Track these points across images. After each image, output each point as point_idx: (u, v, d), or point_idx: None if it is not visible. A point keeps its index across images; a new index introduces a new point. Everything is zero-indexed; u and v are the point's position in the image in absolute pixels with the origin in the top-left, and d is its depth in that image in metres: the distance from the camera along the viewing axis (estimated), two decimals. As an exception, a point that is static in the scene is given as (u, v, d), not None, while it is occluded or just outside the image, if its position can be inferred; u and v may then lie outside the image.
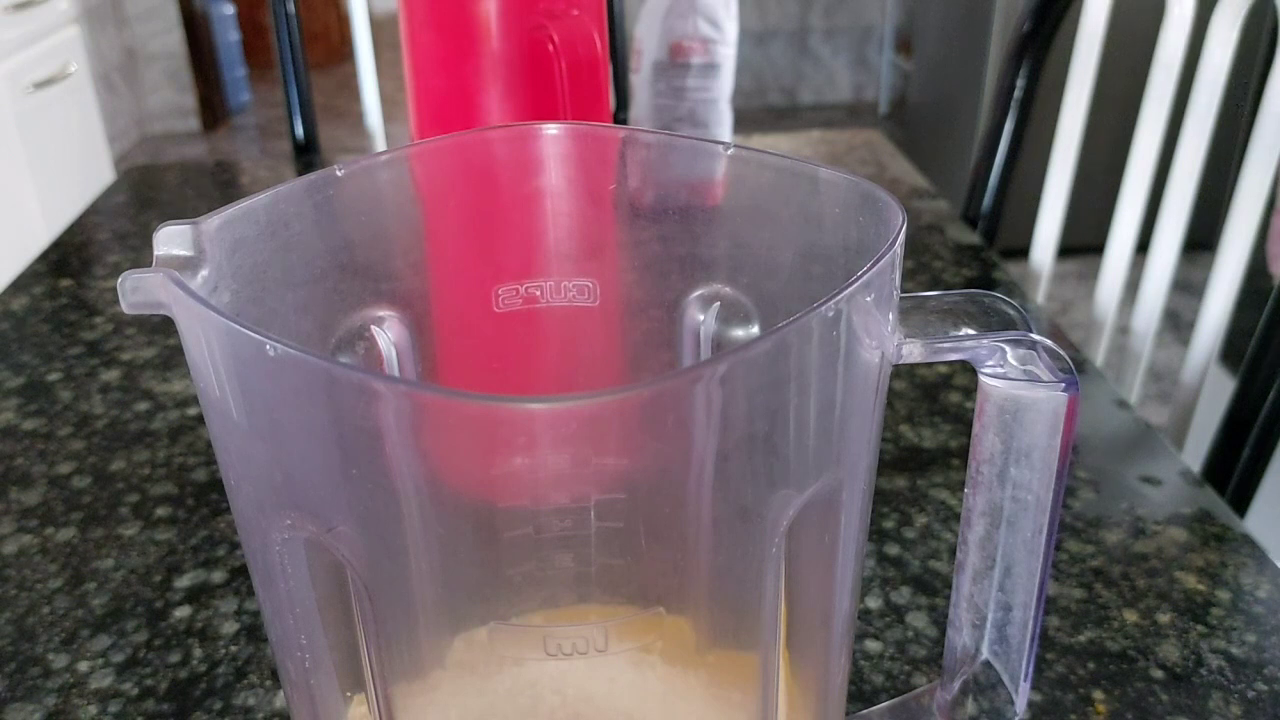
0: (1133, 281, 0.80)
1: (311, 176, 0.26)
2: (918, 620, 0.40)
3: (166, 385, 0.56)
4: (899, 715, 0.30)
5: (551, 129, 0.29)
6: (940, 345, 0.23)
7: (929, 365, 0.57)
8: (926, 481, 0.48)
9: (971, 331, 0.23)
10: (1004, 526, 0.25)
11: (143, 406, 0.54)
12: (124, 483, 0.48)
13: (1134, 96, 0.84)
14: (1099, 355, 0.82)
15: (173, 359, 0.59)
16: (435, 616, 0.27)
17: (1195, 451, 0.69)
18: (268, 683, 0.37)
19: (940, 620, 0.40)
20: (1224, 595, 0.41)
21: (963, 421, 0.52)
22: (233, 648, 0.39)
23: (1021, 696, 0.27)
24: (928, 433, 0.51)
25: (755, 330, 0.30)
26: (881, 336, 0.22)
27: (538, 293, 0.30)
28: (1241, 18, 0.71)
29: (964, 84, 2.43)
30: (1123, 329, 0.86)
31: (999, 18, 2.24)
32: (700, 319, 0.30)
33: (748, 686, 0.26)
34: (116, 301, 0.66)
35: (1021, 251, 0.93)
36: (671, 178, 0.29)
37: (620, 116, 0.98)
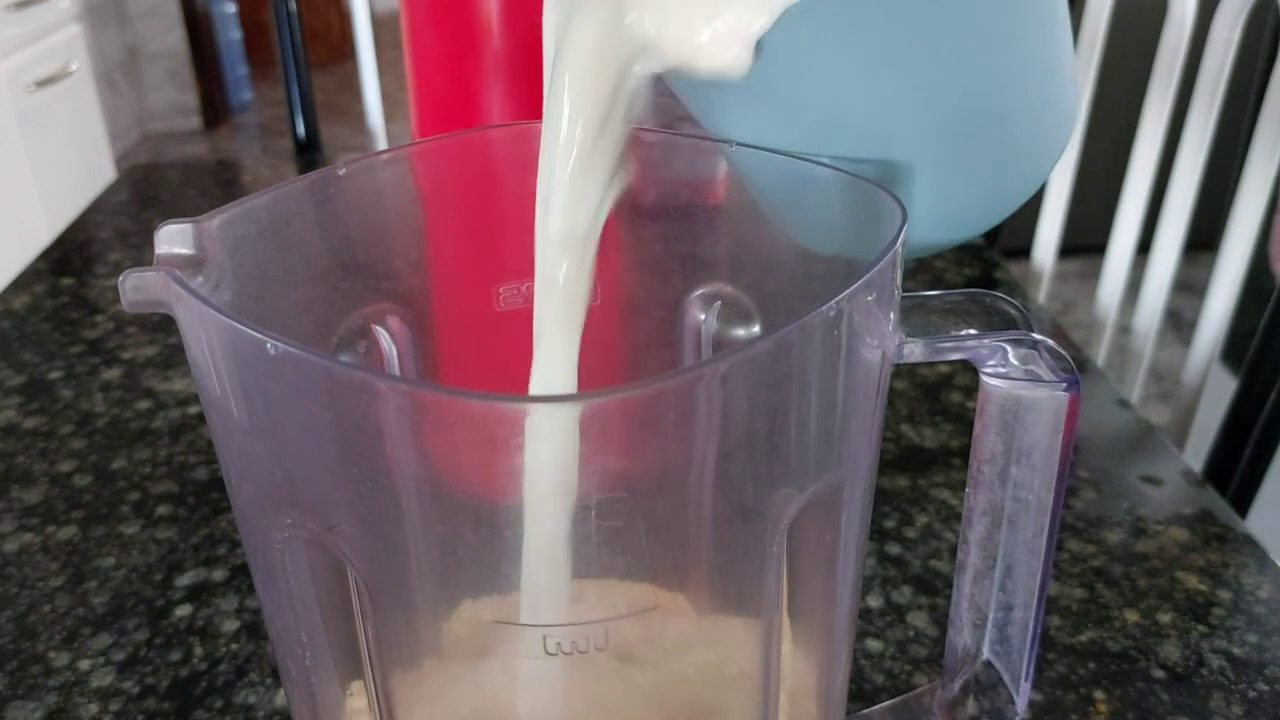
0: (1134, 281, 0.80)
1: (313, 175, 0.26)
2: (918, 620, 0.40)
3: (168, 384, 0.56)
4: (900, 715, 0.30)
5: (553, 128, 0.29)
6: (941, 345, 0.23)
7: (930, 365, 0.57)
8: (928, 481, 0.48)
9: (973, 331, 0.23)
10: (1005, 526, 0.25)
11: (144, 405, 0.54)
12: (125, 481, 0.48)
13: (1135, 96, 0.84)
14: (1100, 355, 0.82)
15: (174, 357, 0.59)
16: (435, 615, 0.26)
17: (1197, 451, 0.69)
18: (268, 681, 0.37)
19: (941, 620, 0.40)
20: (1225, 595, 0.41)
21: (964, 421, 0.52)
22: (233, 646, 0.39)
23: (1022, 696, 0.27)
24: (929, 432, 0.51)
25: (756, 329, 0.30)
26: (883, 336, 0.22)
27: (539, 291, 0.30)
28: (1243, 17, 0.71)
29: (966, 83, 2.43)
30: (1124, 329, 0.86)
31: (1001, 17, 2.24)
32: (701, 318, 0.30)
33: (749, 685, 0.26)
34: (118, 300, 0.66)
35: (1023, 251, 0.93)
36: (673, 176, 0.29)
37: (622, 115, 0.98)
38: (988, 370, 0.23)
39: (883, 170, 0.26)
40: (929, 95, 0.25)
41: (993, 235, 0.85)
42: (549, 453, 0.20)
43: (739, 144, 0.27)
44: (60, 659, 0.38)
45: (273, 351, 0.19)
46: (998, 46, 0.25)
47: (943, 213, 0.27)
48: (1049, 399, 0.23)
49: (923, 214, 0.26)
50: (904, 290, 0.23)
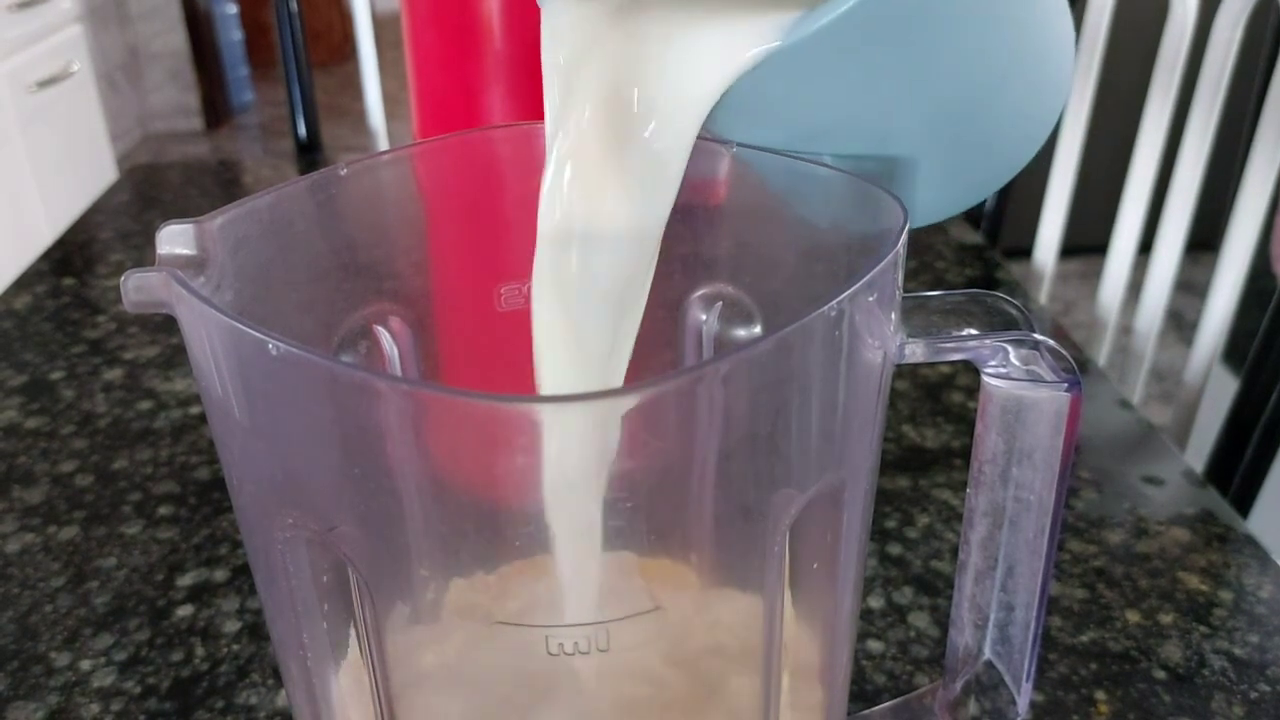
0: (1136, 282, 0.80)
1: (314, 175, 0.26)
2: (920, 620, 0.40)
3: (169, 384, 0.56)
4: (901, 715, 0.30)
5: (554, 128, 0.29)
6: (943, 345, 0.23)
7: (931, 365, 0.57)
8: (929, 481, 0.48)
9: (974, 331, 0.23)
10: (1006, 526, 0.25)
11: (145, 405, 0.54)
12: (126, 481, 0.48)
13: (1137, 96, 0.84)
14: (1102, 355, 0.82)
15: (175, 358, 0.59)
16: (437, 615, 0.27)
17: (1198, 452, 0.69)
18: (270, 681, 0.37)
19: (942, 620, 0.40)
20: (1226, 596, 0.41)
21: (965, 421, 0.52)
22: (235, 646, 0.39)
23: (1024, 696, 0.27)
24: (930, 433, 0.51)
25: (758, 330, 0.30)
26: (884, 336, 0.22)
27: (540, 292, 0.30)
28: (1244, 18, 0.71)
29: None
30: (1125, 329, 0.86)
31: (1002, 17, 2.23)
32: (703, 318, 0.30)
33: (750, 686, 0.26)
34: (119, 300, 0.66)
35: (1024, 251, 0.93)
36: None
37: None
38: (989, 371, 0.23)
39: (882, 164, 0.26)
40: (927, 93, 0.25)
41: (994, 236, 0.85)
42: (550, 454, 0.20)
43: (740, 144, 0.27)
44: (61, 659, 0.38)
45: (274, 352, 0.19)
46: (994, 36, 0.25)
47: (944, 190, 0.28)
48: (1050, 399, 0.23)
49: (924, 196, 0.27)
50: (905, 290, 0.23)
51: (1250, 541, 0.44)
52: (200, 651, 0.39)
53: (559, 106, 0.25)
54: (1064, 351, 0.23)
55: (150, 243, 0.75)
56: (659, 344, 0.31)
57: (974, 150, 0.27)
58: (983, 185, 0.28)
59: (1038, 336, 0.23)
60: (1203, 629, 0.39)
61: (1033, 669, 0.27)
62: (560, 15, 0.26)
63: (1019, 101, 0.27)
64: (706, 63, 0.24)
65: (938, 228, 0.75)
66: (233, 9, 3.38)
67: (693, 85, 0.24)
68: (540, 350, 0.26)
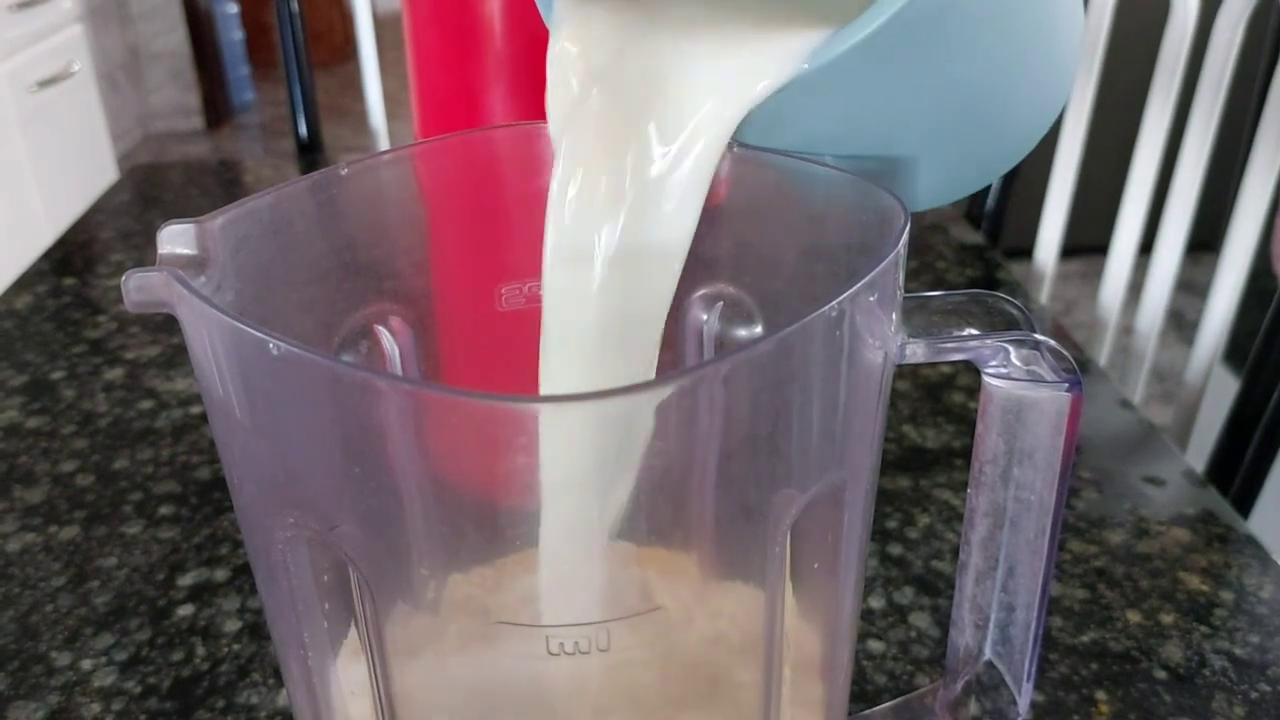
0: (1136, 282, 0.80)
1: (315, 175, 0.26)
2: (920, 620, 0.40)
3: (170, 384, 0.56)
4: (902, 715, 0.30)
5: (555, 128, 0.29)
6: (943, 345, 0.23)
7: (932, 365, 0.57)
8: (929, 482, 0.48)
9: (975, 331, 0.23)
10: (1007, 527, 0.25)
11: (146, 405, 0.54)
12: (127, 481, 0.48)
13: (1138, 97, 0.84)
14: (1102, 355, 0.82)
15: (176, 357, 0.59)
16: (437, 614, 0.27)
17: (1199, 452, 0.69)
18: (270, 681, 0.37)
19: (943, 620, 0.40)
20: (1227, 596, 0.41)
21: (966, 422, 0.52)
22: (235, 646, 0.39)
23: (1024, 697, 0.27)
24: (931, 433, 0.51)
25: (758, 330, 0.30)
26: (885, 336, 0.22)
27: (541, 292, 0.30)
28: (1245, 18, 0.71)
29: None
30: (1126, 329, 0.86)
31: (1003, 17, 2.23)
32: (703, 318, 0.30)
33: (751, 685, 0.26)
34: (120, 300, 0.66)
35: (1025, 251, 0.93)
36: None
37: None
38: (990, 371, 0.23)
39: (884, 163, 0.26)
40: (944, 88, 0.25)
41: (994, 236, 0.85)
42: (550, 454, 0.20)
43: (740, 144, 0.27)
44: (62, 659, 0.38)
45: (275, 351, 0.19)
46: (1012, 22, 0.25)
47: (954, 173, 0.28)
48: (1051, 399, 0.23)
49: (934, 179, 0.27)
50: (906, 291, 0.23)
51: (1251, 541, 0.44)
52: (201, 651, 0.39)
53: (584, 132, 0.25)
54: (1064, 351, 0.23)
55: (151, 242, 0.75)
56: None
57: (986, 132, 0.27)
58: (993, 167, 0.28)
59: (1038, 336, 0.23)
60: (1203, 629, 0.39)
61: (1033, 669, 0.27)
62: (571, 41, 0.26)
63: (1031, 81, 0.27)
64: (729, 89, 0.24)
65: (938, 227, 0.75)
66: (233, 9, 3.38)
67: (715, 112, 0.24)
68: (548, 363, 0.26)
